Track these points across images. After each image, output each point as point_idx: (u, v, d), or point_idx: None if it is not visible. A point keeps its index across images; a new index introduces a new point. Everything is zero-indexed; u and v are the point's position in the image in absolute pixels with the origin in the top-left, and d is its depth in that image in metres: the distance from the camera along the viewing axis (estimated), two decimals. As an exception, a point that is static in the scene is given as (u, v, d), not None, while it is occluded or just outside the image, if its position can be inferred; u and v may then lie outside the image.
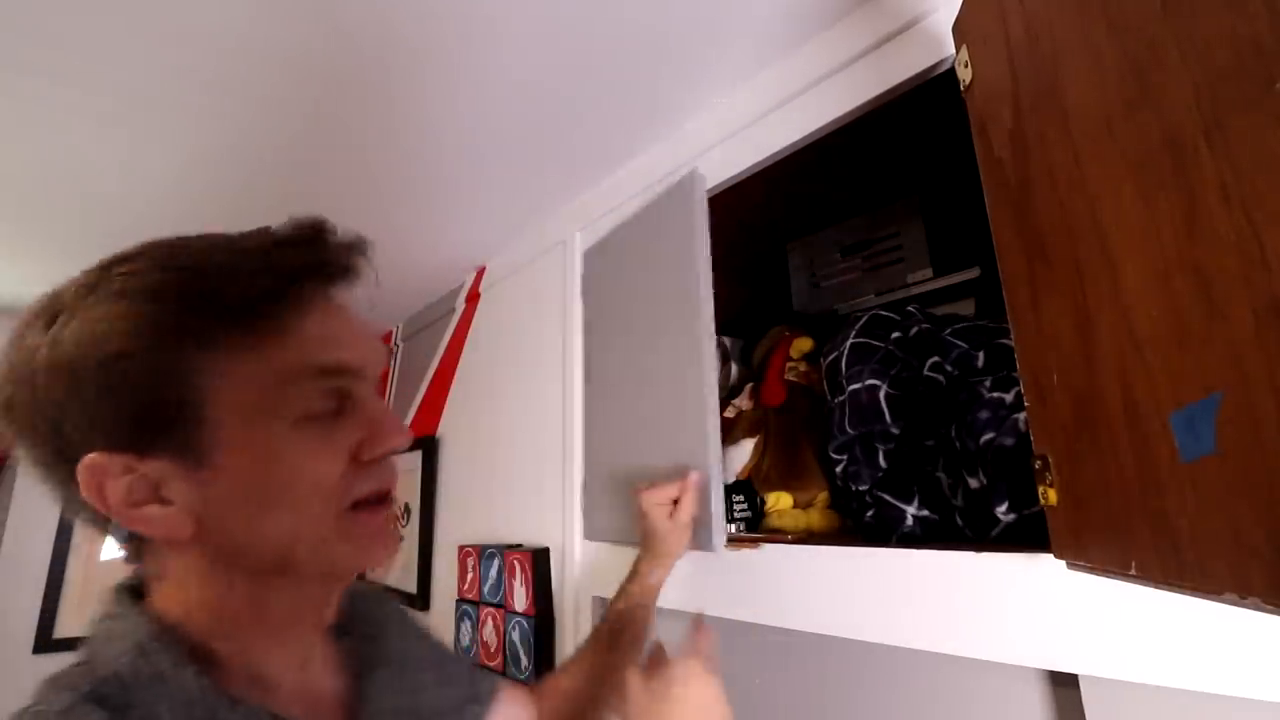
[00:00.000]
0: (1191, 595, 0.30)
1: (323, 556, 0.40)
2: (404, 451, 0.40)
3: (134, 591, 0.41)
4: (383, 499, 0.43)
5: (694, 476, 0.72)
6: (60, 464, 0.36)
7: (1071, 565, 0.43)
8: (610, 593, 0.94)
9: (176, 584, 0.40)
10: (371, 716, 0.46)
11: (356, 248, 0.43)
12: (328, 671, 0.47)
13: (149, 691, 0.35)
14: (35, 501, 1.87)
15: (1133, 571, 0.34)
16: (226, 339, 0.37)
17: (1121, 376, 0.34)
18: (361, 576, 0.49)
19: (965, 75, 0.52)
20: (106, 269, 0.37)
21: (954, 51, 0.56)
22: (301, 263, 0.40)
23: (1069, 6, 0.38)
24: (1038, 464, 0.45)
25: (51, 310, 0.37)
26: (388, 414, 0.42)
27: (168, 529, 0.37)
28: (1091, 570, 0.40)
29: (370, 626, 0.52)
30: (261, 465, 0.37)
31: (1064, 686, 0.55)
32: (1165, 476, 0.31)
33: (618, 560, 0.93)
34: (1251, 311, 0.25)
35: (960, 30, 0.54)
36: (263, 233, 0.41)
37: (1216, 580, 0.27)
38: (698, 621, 0.59)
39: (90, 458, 0.35)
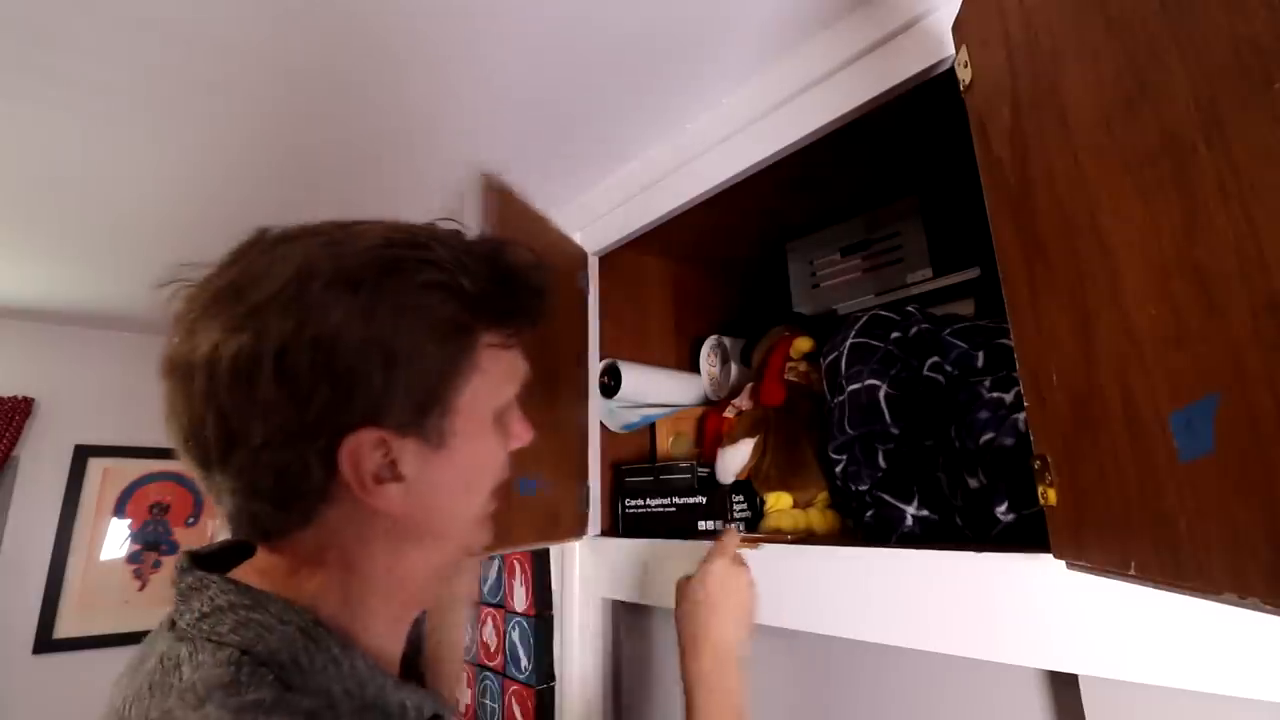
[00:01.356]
0: (1191, 595, 0.30)
1: (472, 533, 0.46)
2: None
3: (226, 567, 0.42)
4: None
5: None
6: (313, 432, 0.36)
7: (1071, 565, 0.43)
8: (610, 592, 0.94)
9: (345, 562, 0.40)
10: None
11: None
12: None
13: (324, 675, 0.37)
14: (35, 501, 1.87)
15: (1132, 571, 0.34)
16: (490, 340, 0.43)
17: (1121, 376, 0.34)
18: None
19: (965, 75, 0.52)
20: (399, 249, 0.39)
21: (954, 51, 0.56)
22: (545, 288, 0.46)
23: (1068, 6, 0.38)
24: (1037, 464, 0.45)
25: (345, 278, 0.37)
26: (523, 416, 0.49)
27: (392, 502, 0.39)
28: (1091, 570, 0.40)
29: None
30: (473, 454, 0.43)
31: (1064, 686, 0.55)
32: (1164, 476, 0.31)
33: (618, 560, 0.93)
34: (1250, 311, 0.25)
35: (960, 30, 0.54)
36: (512, 249, 0.45)
37: (1216, 580, 0.27)
38: (727, 529, 0.70)
39: (363, 431, 0.37)
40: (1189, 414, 0.28)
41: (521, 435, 0.49)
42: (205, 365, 0.36)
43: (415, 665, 0.51)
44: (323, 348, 0.36)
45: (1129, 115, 0.32)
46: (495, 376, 0.44)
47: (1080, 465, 0.40)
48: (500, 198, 0.81)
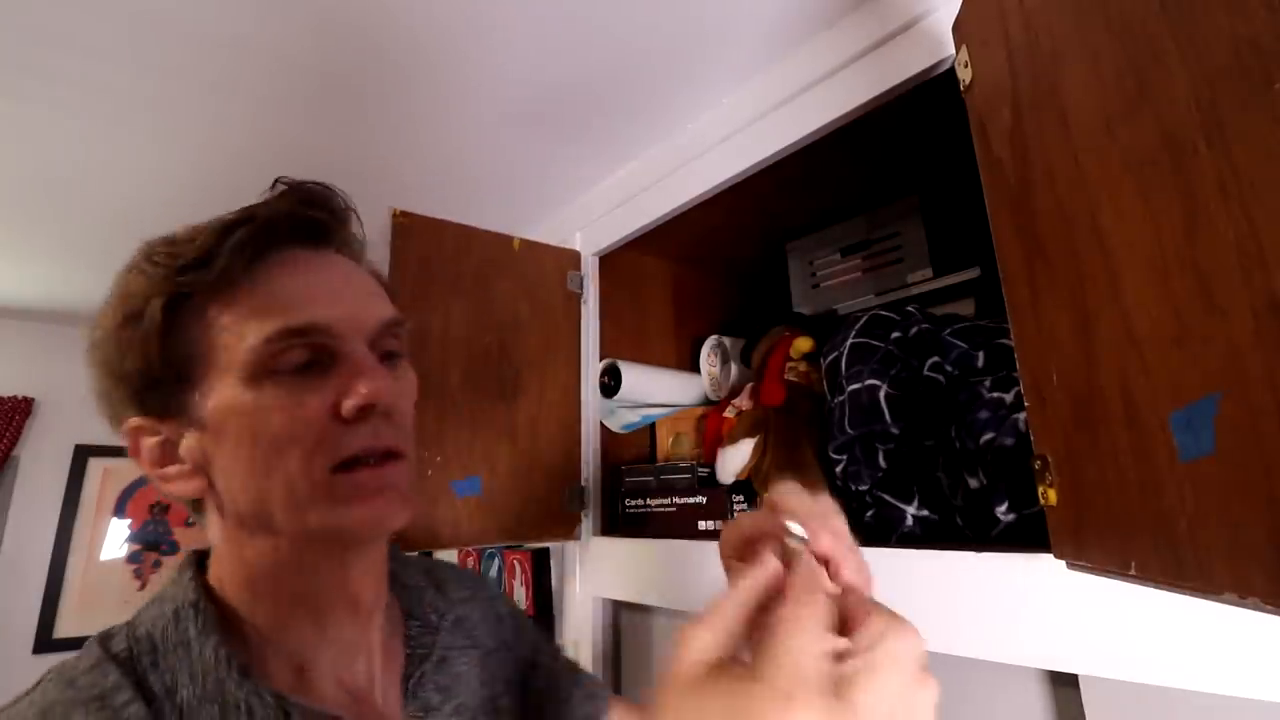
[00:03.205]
0: (1191, 595, 0.30)
1: (302, 518, 0.39)
2: (380, 403, 0.40)
3: (199, 558, 0.44)
4: (385, 456, 0.41)
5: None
6: (114, 420, 0.42)
7: (1071, 565, 0.43)
8: (610, 592, 0.94)
9: (218, 551, 0.43)
10: (410, 717, 0.44)
11: (338, 208, 0.46)
12: (382, 660, 0.45)
13: (174, 656, 0.37)
14: (35, 501, 1.87)
15: (1133, 571, 0.34)
16: (204, 298, 0.39)
17: (1121, 376, 0.34)
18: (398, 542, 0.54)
19: (965, 75, 0.52)
20: (148, 243, 0.42)
21: (954, 51, 0.56)
22: (271, 220, 0.41)
23: (1068, 6, 0.38)
24: (1038, 464, 0.45)
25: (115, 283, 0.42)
26: (365, 368, 0.40)
27: (183, 487, 0.41)
28: (1091, 570, 0.40)
29: (435, 613, 0.51)
30: (243, 424, 0.38)
31: (1064, 686, 0.55)
32: (1165, 476, 0.31)
33: (619, 560, 0.93)
34: (1251, 311, 0.25)
35: (960, 30, 0.54)
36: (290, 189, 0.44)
37: (1216, 580, 0.27)
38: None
39: (128, 422, 0.40)
40: (1189, 414, 0.28)
41: (353, 392, 0.39)
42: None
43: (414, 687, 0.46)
44: (95, 343, 0.41)
45: (1129, 115, 0.32)
46: (230, 336, 0.38)
47: (1080, 465, 0.40)
48: (412, 225, 0.87)
